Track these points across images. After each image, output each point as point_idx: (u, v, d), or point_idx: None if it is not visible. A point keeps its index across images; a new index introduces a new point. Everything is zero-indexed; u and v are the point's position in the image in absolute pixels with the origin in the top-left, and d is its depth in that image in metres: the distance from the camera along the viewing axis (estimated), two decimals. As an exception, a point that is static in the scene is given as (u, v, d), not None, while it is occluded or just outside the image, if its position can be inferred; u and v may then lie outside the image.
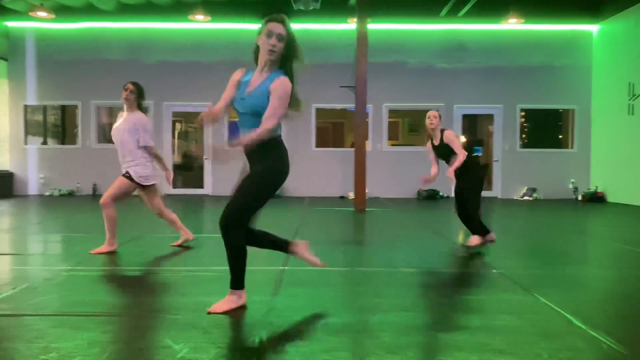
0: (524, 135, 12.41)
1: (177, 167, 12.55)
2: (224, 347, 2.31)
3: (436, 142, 5.02)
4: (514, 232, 6.70)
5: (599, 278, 4.00)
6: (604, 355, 2.26)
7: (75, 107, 12.04)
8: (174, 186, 12.12)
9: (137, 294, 3.38)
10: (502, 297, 3.27)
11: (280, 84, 2.80)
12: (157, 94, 11.99)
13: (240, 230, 2.86)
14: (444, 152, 4.98)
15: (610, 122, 11.25)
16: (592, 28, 11.90)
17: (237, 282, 2.87)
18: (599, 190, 11.37)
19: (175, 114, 12.40)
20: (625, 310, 3.05)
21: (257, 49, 2.93)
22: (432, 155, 5.15)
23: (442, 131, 4.97)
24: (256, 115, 2.83)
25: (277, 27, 2.81)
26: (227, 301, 2.84)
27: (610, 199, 11.07)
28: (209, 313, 2.76)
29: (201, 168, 12.30)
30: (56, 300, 3.10)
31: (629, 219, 8.14)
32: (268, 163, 2.87)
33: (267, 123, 2.77)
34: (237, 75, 3.06)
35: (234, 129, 13.13)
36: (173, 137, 12.48)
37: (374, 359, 2.19)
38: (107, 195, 4.54)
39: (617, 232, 5.54)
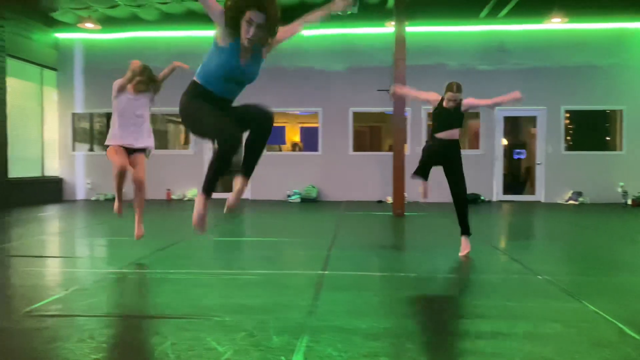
0: (568, 138, 12.03)
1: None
2: (266, 350, 2.34)
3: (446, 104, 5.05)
4: (559, 237, 6.50)
5: (652, 286, 3.84)
6: (660, 367, 2.17)
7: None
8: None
9: (181, 296, 3.45)
10: (549, 304, 3.17)
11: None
12: (197, 100, 12.25)
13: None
14: (453, 118, 5.07)
15: (662, 122, 10.77)
16: (640, 25, 11.45)
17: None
18: (649, 193, 10.89)
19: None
20: None
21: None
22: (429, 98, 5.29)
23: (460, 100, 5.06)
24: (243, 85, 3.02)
25: (257, 16, 2.61)
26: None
27: (661, 203, 10.59)
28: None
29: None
30: (105, 302, 3.21)
31: (683, 224, 7.77)
32: None
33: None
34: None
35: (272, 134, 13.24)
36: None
37: (418, 365, 2.17)
38: (144, 175, 4.68)
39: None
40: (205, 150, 12.32)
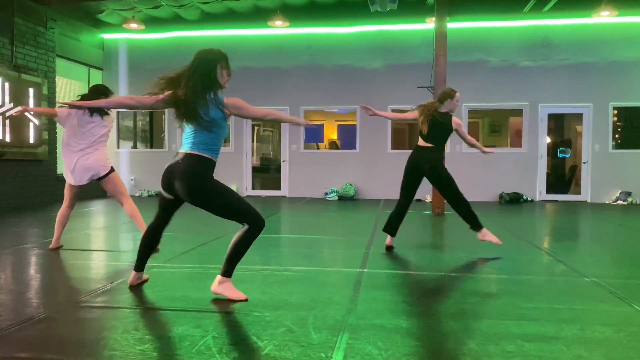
0: (616, 135, 11.58)
1: (255, 170, 12.91)
2: (306, 346, 2.34)
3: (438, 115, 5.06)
4: (606, 238, 6.26)
5: None
6: None
7: (162, 113, 12.72)
8: (253, 188, 12.48)
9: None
10: (597, 307, 3.06)
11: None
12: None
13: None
14: (440, 131, 5.13)
15: None
16: (696, 17, 10.88)
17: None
18: None
19: (253, 118, 12.76)
20: None
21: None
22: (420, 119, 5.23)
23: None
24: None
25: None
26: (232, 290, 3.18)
27: None
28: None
29: (278, 171, 12.56)
30: (149, 295, 3.29)
31: None
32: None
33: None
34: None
35: (309, 132, 13.29)
36: (252, 140, 12.86)
37: (460, 366, 2.13)
38: (127, 197, 4.82)
39: None
40: (244, 147, 12.47)
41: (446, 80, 8.67)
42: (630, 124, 11.86)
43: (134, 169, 12.79)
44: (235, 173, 12.36)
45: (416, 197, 11.67)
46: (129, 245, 5.47)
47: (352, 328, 2.60)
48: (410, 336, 2.48)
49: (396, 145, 12.42)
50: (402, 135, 14.38)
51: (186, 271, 4.02)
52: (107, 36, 12.66)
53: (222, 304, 3.10)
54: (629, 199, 10.93)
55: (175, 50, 12.57)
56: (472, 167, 11.66)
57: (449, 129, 5.03)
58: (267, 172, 13.13)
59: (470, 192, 11.57)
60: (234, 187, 12.05)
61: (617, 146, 11.46)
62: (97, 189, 12.39)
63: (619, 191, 11.11)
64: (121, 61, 12.80)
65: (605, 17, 10.63)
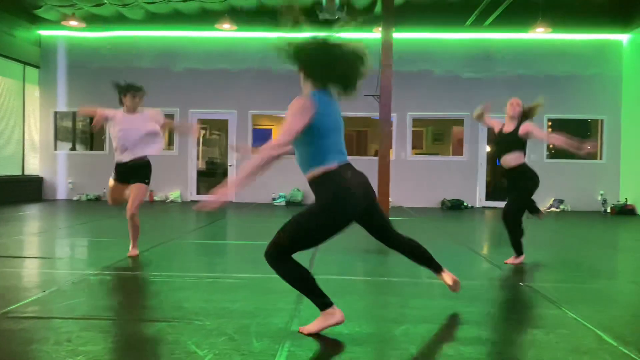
0: (551, 146, 12.20)
1: (201, 174, 12.68)
2: (247, 354, 2.31)
3: (507, 129, 5.00)
4: (541, 244, 6.57)
5: (631, 293, 3.89)
6: (638, 374, 2.19)
7: (104, 113, 12.29)
8: (198, 192, 12.25)
9: (162, 299, 3.41)
10: (531, 310, 3.20)
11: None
12: (184, 101, 12.18)
13: (280, 262, 2.61)
14: (510, 141, 4.92)
15: (641, 132, 10.98)
16: (622, 37, 11.66)
17: (317, 304, 2.62)
18: (628, 202, 11.08)
19: (200, 121, 12.55)
20: None
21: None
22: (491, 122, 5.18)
23: (521, 121, 4.91)
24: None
25: None
26: (317, 321, 2.61)
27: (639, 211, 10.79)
28: (300, 332, 2.59)
29: (225, 175, 12.40)
30: (84, 304, 3.15)
31: (660, 232, 7.91)
32: (320, 200, 2.57)
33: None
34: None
35: (257, 136, 13.22)
36: (198, 144, 12.63)
37: (399, 371, 2.16)
38: (134, 205, 4.60)
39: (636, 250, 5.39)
40: (189, 150, 12.24)
41: (391, 90, 8.86)
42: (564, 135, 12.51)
43: (72, 171, 12.26)
44: (179, 177, 12.10)
45: (362, 203, 11.87)
46: (65, 252, 5.23)
47: (295, 335, 2.59)
48: (352, 342, 2.50)
49: (343, 151, 12.54)
50: (349, 142, 14.55)
51: (124, 278, 3.88)
52: (45, 33, 12.11)
53: (162, 312, 3.02)
54: (562, 206, 11.53)
55: (118, 50, 12.20)
56: (416, 174, 11.95)
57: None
58: (213, 176, 12.93)
59: (414, 198, 11.88)
60: (177, 192, 11.79)
61: (551, 156, 12.07)
62: (33, 192, 11.83)
63: (553, 199, 11.70)
64: (60, 60, 12.27)
65: (540, 34, 11.20)
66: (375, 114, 10.60)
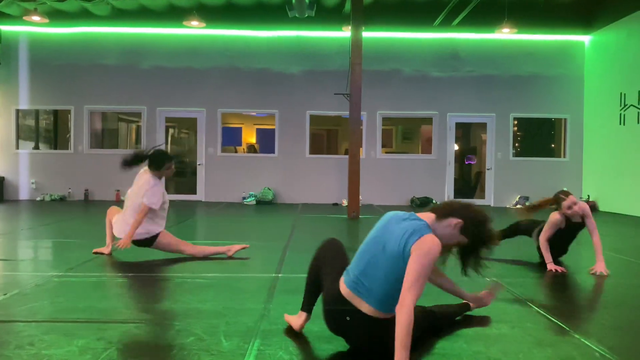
0: (516, 144, 12.49)
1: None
2: (216, 354, 2.29)
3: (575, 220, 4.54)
4: (507, 240, 6.71)
5: (592, 286, 4.02)
6: (598, 364, 2.27)
7: (68, 112, 11.99)
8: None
9: (129, 300, 3.35)
10: (496, 305, 3.26)
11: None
12: (151, 99, 11.97)
13: None
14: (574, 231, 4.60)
15: (602, 131, 11.35)
16: (584, 38, 12.02)
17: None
18: (590, 199, 11.44)
19: (168, 120, 12.37)
20: (618, 319, 3.06)
21: None
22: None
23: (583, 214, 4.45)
24: None
25: None
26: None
27: (601, 208, 11.14)
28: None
29: (194, 174, 12.25)
30: (48, 307, 3.07)
31: (620, 227, 8.18)
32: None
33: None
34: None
35: (227, 135, 13.13)
36: (166, 142, 12.44)
37: (368, 367, 2.18)
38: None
39: (608, 241, 5.56)
40: (158, 150, 12.03)
41: (361, 88, 8.91)
42: (529, 133, 12.85)
43: (35, 171, 11.92)
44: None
45: (333, 201, 11.92)
46: (27, 254, 5.08)
47: (265, 334, 2.58)
48: (322, 340, 2.51)
49: (314, 150, 12.56)
50: (320, 140, 14.58)
51: (90, 280, 3.80)
52: (5, 28, 11.74)
53: (129, 314, 2.97)
54: (527, 203, 11.79)
55: (82, 47, 11.93)
56: (386, 172, 12.06)
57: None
58: (182, 175, 12.76)
59: (384, 196, 11.98)
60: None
61: (517, 154, 12.36)
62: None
63: (518, 196, 11.97)
64: (21, 56, 11.91)
65: (506, 34, 11.44)
66: (345, 113, 10.65)
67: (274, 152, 12.14)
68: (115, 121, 13.21)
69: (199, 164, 12.09)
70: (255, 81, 11.98)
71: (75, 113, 11.91)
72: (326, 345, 2.44)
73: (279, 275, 4.03)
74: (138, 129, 12.35)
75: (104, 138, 13.03)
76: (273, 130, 12.21)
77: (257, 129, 14.82)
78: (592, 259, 4.42)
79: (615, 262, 4.98)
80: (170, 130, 13.14)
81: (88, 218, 8.37)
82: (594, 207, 11.15)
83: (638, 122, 10.14)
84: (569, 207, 4.44)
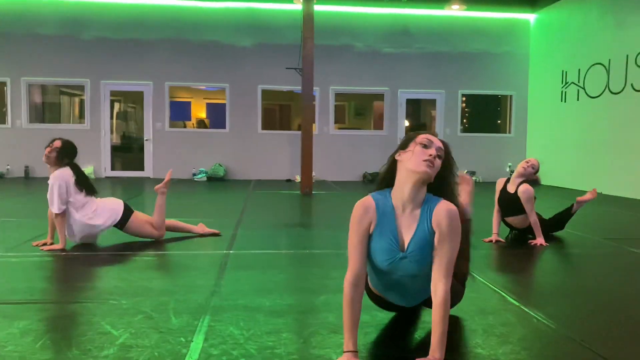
0: (464, 120, 12.80)
1: (115, 149, 12.09)
2: (165, 331, 2.26)
3: (510, 189, 4.66)
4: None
5: (532, 256, 4.21)
6: (534, 329, 2.39)
7: (4, 84, 11.31)
8: (113, 168, 11.69)
9: (74, 280, 3.24)
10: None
11: (452, 215, 1.95)
12: (94, 72, 11.46)
13: None
14: (510, 203, 4.63)
15: (545, 108, 11.78)
16: (529, 17, 12.35)
17: None
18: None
19: (113, 93, 11.91)
20: (555, 287, 3.23)
21: (391, 167, 2.10)
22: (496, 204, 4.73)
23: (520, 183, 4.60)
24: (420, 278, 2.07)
25: (435, 140, 2.04)
26: None
27: (543, 181, 11.63)
28: None
29: (141, 150, 11.90)
30: (-16, 289, 2.93)
31: (559, 199, 8.59)
32: None
33: (443, 285, 1.90)
34: (364, 210, 2.07)
35: (175, 109, 12.80)
36: (111, 117, 12.00)
37: (319, 339, 2.21)
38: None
39: (548, 213, 5.80)
40: (102, 124, 11.62)
41: (313, 63, 8.84)
42: (476, 110, 13.19)
43: (-31, 147, 11.24)
44: (91, 152, 11.44)
45: (286, 177, 11.90)
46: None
47: (215, 310, 2.57)
48: (273, 314, 2.52)
49: (267, 125, 12.44)
50: (272, 115, 14.43)
51: (31, 260, 3.65)
52: None
53: (73, 294, 2.88)
54: (474, 178, 12.19)
55: (18, 15, 11.23)
56: (339, 148, 12.12)
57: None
58: (129, 151, 12.37)
59: (337, 172, 12.06)
60: (90, 168, 11.16)
61: (465, 130, 12.68)
62: None
63: (466, 170, 12.33)
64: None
65: (455, 11, 11.60)
66: (298, 88, 10.57)
67: (224, 128, 11.93)
68: (56, 94, 12.58)
69: (147, 140, 11.74)
70: (205, 54, 11.67)
71: (12, 85, 11.26)
72: (278, 319, 2.45)
73: (230, 252, 4.00)
74: (82, 102, 11.82)
75: (45, 112, 12.41)
76: (224, 105, 11.98)
77: (207, 104, 14.51)
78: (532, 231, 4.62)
79: (555, 233, 5.24)
80: (116, 104, 12.65)
81: (28, 196, 8.01)
82: (536, 181, 11.62)
83: (578, 99, 10.59)
84: (525, 169, 4.65)
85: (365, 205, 2.06)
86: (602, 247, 4.52)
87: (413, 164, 1.96)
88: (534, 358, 2.08)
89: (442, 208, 1.96)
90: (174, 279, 3.20)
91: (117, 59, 11.44)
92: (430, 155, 1.96)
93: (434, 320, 1.86)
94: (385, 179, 2.12)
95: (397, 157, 2.07)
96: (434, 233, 1.96)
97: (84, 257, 3.84)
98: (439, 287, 1.89)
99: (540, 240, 4.43)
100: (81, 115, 11.91)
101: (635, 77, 8.99)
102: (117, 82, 11.60)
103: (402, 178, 2.01)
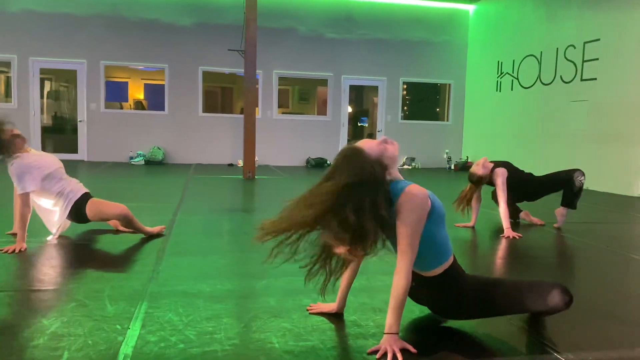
0: (405, 108, 13.07)
1: (46, 130, 11.48)
2: (100, 319, 2.19)
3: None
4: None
5: (466, 240, 4.39)
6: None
7: None
8: (43, 150, 11.08)
9: (2, 267, 3.07)
10: (382, 259, 3.44)
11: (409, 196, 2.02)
12: (22, 48, 10.78)
13: None
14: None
15: (481, 97, 12.22)
16: (469, 8, 12.71)
17: None
18: (469, 160, 12.39)
19: (43, 71, 11.25)
20: (488, 270, 3.38)
21: None
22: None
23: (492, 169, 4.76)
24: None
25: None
26: None
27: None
28: None
29: (74, 131, 11.35)
30: None
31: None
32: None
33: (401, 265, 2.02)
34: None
35: (111, 89, 12.30)
36: (42, 96, 11.35)
37: (259, 323, 2.21)
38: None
39: (483, 199, 6.04)
40: (31, 103, 10.98)
41: (256, 45, 8.71)
42: (416, 97, 13.49)
43: None
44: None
45: (228, 161, 11.73)
46: None
47: (153, 296, 2.51)
48: (213, 300, 2.50)
49: (208, 108, 12.18)
50: (214, 98, 14.14)
51: (-48, 247, 3.41)
52: None
53: (0, 283, 2.72)
54: (413, 164, 12.51)
55: None
56: (282, 133, 12.06)
57: None
58: (61, 132, 11.77)
59: (280, 157, 12.02)
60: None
61: (405, 117, 12.95)
62: None
63: (405, 157, 12.63)
64: None
65: (398, -1, 11.74)
66: (240, 70, 10.40)
67: (164, 110, 11.58)
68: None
69: (80, 121, 11.21)
70: (144, 32, 11.22)
71: None
72: (218, 305, 2.43)
73: (169, 237, 3.91)
74: (8, 80, 11.10)
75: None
76: (163, 86, 11.61)
77: (145, 84, 14.00)
78: (467, 214, 4.81)
79: (488, 217, 5.48)
80: (47, 83, 11.97)
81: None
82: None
83: (512, 89, 11.05)
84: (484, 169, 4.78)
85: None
86: (535, 232, 4.78)
87: None
88: (463, 336, 2.17)
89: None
90: (109, 266, 3.10)
91: (47, 35, 10.80)
92: None
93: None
94: None
95: None
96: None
97: (9, 242, 3.63)
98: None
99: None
100: (7, 94, 11.19)
101: (564, 69, 9.48)
102: (48, 59, 10.97)
103: None
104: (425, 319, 2.36)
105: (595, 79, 8.74)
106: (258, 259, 3.39)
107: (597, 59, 8.71)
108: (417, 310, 2.42)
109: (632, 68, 8.06)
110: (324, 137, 12.30)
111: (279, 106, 12.45)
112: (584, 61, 9.01)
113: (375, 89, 12.87)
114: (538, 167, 10.01)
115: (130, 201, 5.08)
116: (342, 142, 12.47)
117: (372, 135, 13.46)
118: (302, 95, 15.17)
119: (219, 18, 11.40)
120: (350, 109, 12.94)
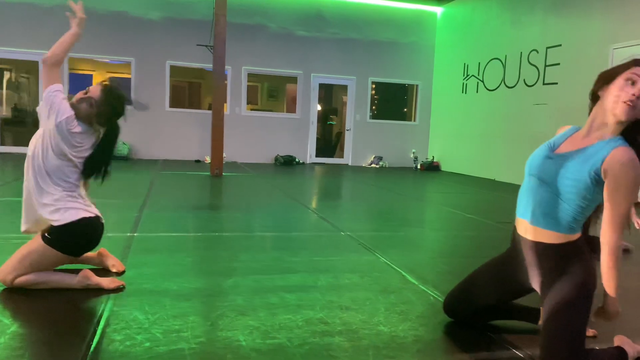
0: (373, 107, 13.19)
1: (6, 122, 11.10)
2: (65, 317, 2.15)
3: None
4: (361, 197, 7.17)
5: (431, 239, 4.49)
6: (431, 306, 2.57)
7: None
8: (2, 143, 10.72)
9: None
10: (349, 257, 3.50)
11: (628, 164, 1.71)
12: (-21, 36, 10.39)
13: None
14: None
15: (448, 98, 12.45)
16: (436, 10, 12.91)
17: None
18: (435, 160, 12.61)
19: (2, 61, 10.87)
20: (451, 267, 3.48)
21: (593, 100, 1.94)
22: None
23: None
24: (549, 187, 1.87)
25: None
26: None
27: (444, 168, 12.36)
28: None
29: (35, 125, 11.01)
30: None
31: (458, 186, 9.17)
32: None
33: (610, 234, 1.76)
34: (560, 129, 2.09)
35: (75, 82, 11.98)
36: (1, 87, 10.97)
37: (226, 321, 2.22)
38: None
39: (448, 198, 6.23)
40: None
41: (226, 41, 8.64)
42: (384, 97, 13.63)
43: None
44: (-22, 125, 10.42)
45: (195, 157, 11.60)
46: None
47: (118, 295, 2.48)
48: (180, 298, 2.49)
49: (175, 103, 12.01)
50: (181, 93, 13.95)
51: None
52: None
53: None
54: (381, 163, 12.65)
55: None
56: (250, 130, 12.01)
57: None
58: (21, 125, 11.40)
59: (248, 153, 11.96)
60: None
61: (374, 116, 13.08)
62: None
63: (373, 156, 12.76)
64: None
65: (368, -1, 11.84)
66: (208, 66, 10.29)
67: (129, 104, 11.35)
68: None
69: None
70: (110, 25, 10.98)
71: None
72: (185, 303, 2.42)
73: (135, 234, 3.86)
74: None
75: None
76: (129, 79, 11.38)
77: (111, 78, 13.69)
78: (432, 214, 4.91)
79: (451, 216, 5.61)
80: (6, 74, 11.57)
81: None
82: (438, 167, 12.31)
83: (477, 92, 11.29)
84: None
85: None
86: (495, 230, 4.92)
87: (610, 104, 1.79)
88: (430, 333, 2.24)
89: (621, 149, 1.74)
90: (74, 263, 3.03)
91: (6, 24, 10.44)
92: (634, 95, 1.73)
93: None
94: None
95: (599, 92, 1.88)
96: (594, 177, 1.77)
97: (-33, 240, 3.52)
98: (605, 237, 1.77)
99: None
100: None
101: (527, 73, 9.75)
102: (6, 49, 10.60)
103: (596, 113, 1.88)
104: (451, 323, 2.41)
105: (557, 83, 9.03)
106: (225, 257, 3.39)
107: (559, 64, 9.00)
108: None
109: (592, 73, 8.33)
110: (293, 134, 12.30)
111: (248, 102, 12.38)
112: (546, 65, 9.29)
113: (344, 87, 12.95)
114: (501, 168, 10.30)
115: (94, 197, 4.98)
116: (311, 140, 12.50)
117: (340, 134, 13.55)
118: (271, 92, 15.11)
119: (188, 13, 11.26)
120: (319, 107, 12.98)
